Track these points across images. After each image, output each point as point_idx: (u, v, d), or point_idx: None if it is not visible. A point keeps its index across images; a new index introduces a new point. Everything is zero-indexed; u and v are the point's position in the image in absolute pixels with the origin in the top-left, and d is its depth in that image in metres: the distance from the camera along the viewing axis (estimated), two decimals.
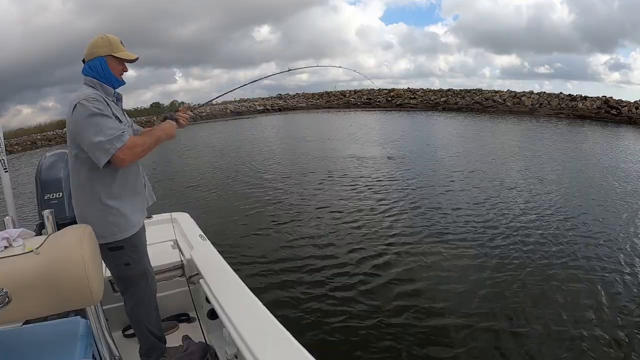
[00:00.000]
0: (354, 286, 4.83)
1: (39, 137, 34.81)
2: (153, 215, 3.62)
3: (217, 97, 2.46)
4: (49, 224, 1.74)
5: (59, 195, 2.75)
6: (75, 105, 1.91)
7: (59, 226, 1.84)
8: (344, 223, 7.27)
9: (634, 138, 20.25)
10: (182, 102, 44.29)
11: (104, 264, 2.29)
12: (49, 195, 2.74)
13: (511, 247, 5.98)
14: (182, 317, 3.05)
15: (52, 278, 1.31)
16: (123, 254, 2.19)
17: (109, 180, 2.09)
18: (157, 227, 3.39)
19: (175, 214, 3.92)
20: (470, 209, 7.89)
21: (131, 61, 2.20)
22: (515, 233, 6.54)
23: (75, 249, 1.39)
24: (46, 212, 1.73)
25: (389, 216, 7.55)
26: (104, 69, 2.08)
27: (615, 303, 4.38)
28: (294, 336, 1.78)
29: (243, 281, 2.38)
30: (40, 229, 2.31)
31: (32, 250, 1.37)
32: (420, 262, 5.47)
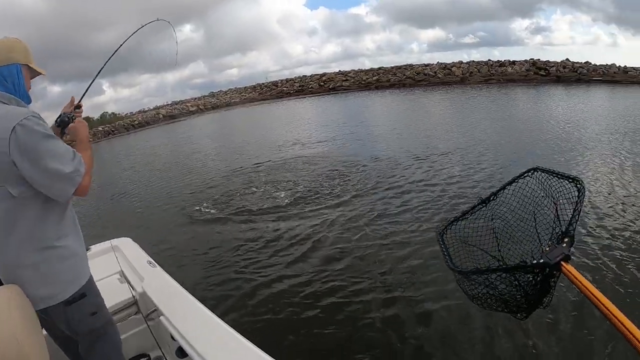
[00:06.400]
0: (322, 293, 4.32)
1: None
2: (91, 247, 3.28)
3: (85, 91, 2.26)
4: None
5: None
6: (14, 127, 1.52)
7: None
8: (288, 218, 6.79)
9: (564, 95, 21.10)
10: (113, 113, 44.79)
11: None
12: None
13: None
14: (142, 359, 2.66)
15: None
16: (87, 303, 1.80)
17: (59, 217, 1.74)
18: (97, 259, 3.05)
19: (115, 241, 3.49)
20: (407, 182, 7.77)
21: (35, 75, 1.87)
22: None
23: (2, 327, 1.22)
24: None
25: (338, 204, 7.09)
26: (20, 81, 1.73)
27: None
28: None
29: (209, 309, 2.19)
30: None
31: None
32: (376, 244, 5.24)
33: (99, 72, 2.46)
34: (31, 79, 1.85)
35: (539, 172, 1.56)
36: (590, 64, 28.66)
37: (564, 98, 19.70)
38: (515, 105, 18.62)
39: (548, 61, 30.99)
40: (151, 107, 51.92)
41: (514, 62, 33.28)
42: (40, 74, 1.86)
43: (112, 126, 38.41)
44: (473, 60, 37.09)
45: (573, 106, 16.23)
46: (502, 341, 3.20)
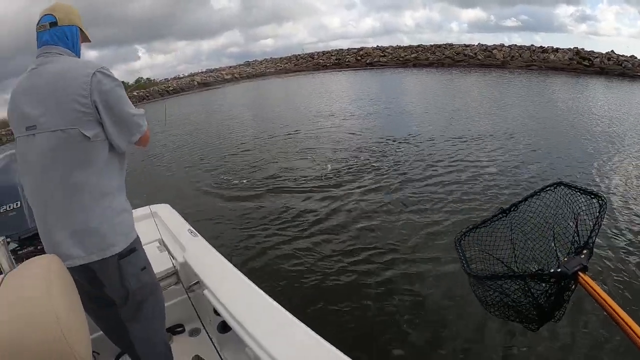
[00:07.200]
0: (383, 275, 4.23)
1: (3, 132, 32.44)
2: None
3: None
4: (3, 258, 1.41)
5: (16, 204, 2.30)
6: (94, 73, 1.61)
7: (23, 241, 1.84)
8: (322, 189, 6.88)
9: (605, 89, 20.45)
10: (148, 79, 44.72)
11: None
12: (4, 207, 2.29)
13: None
14: (177, 330, 2.60)
15: (16, 350, 0.98)
16: (137, 257, 1.82)
17: (119, 166, 1.78)
18: (136, 225, 2.76)
19: (154, 207, 3.36)
20: (441, 164, 7.80)
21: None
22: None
23: (41, 302, 1.07)
24: None
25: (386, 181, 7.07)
26: (77, 42, 1.81)
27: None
28: (334, 345, 1.59)
29: (255, 283, 2.11)
30: None
31: None
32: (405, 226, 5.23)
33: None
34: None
35: (562, 187, 1.58)
36: (636, 58, 27.76)
37: (607, 92, 19.19)
38: (556, 95, 18.08)
39: (592, 51, 30.10)
40: (186, 74, 52.63)
41: (557, 50, 32.45)
42: (88, 41, 1.94)
43: (146, 91, 39.10)
44: (515, 45, 36.39)
45: (617, 102, 15.81)
46: (514, 343, 3.17)
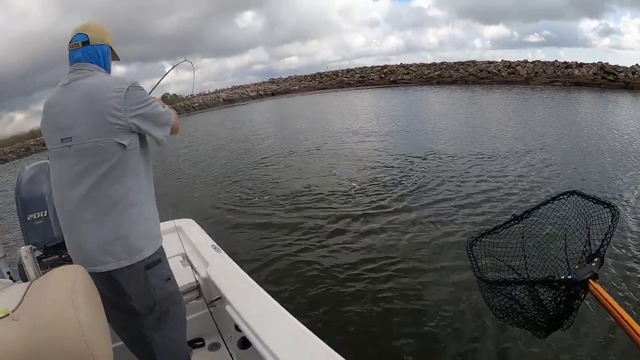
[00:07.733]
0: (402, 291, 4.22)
1: (32, 142, 33.47)
2: None
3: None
4: (29, 266, 1.35)
5: (43, 213, 2.37)
6: (128, 88, 1.69)
7: (48, 249, 1.77)
8: (342, 205, 6.94)
9: (631, 103, 20.02)
10: (174, 94, 45.25)
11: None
12: (32, 215, 2.36)
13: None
14: (197, 343, 2.57)
15: (40, 359, 0.99)
16: (162, 268, 1.86)
17: (147, 176, 1.84)
18: None
19: (178, 221, 3.40)
20: (468, 186, 7.64)
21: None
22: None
23: (66, 311, 1.05)
24: (23, 250, 1.36)
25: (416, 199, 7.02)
26: (108, 60, 1.89)
27: None
28: None
29: (276, 299, 2.09)
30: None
31: (7, 314, 1.02)
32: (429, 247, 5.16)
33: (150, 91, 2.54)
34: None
35: (576, 196, 1.56)
36: None
37: (632, 107, 18.70)
38: (579, 111, 17.77)
39: (617, 66, 29.35)
40: (211, 91, 53.96)
41: (581, 65, 31.84)
42: (118, 59, 1.99)
43: (172, 107, 39.85)
44: (539, 60, 35.86)
45: None
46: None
